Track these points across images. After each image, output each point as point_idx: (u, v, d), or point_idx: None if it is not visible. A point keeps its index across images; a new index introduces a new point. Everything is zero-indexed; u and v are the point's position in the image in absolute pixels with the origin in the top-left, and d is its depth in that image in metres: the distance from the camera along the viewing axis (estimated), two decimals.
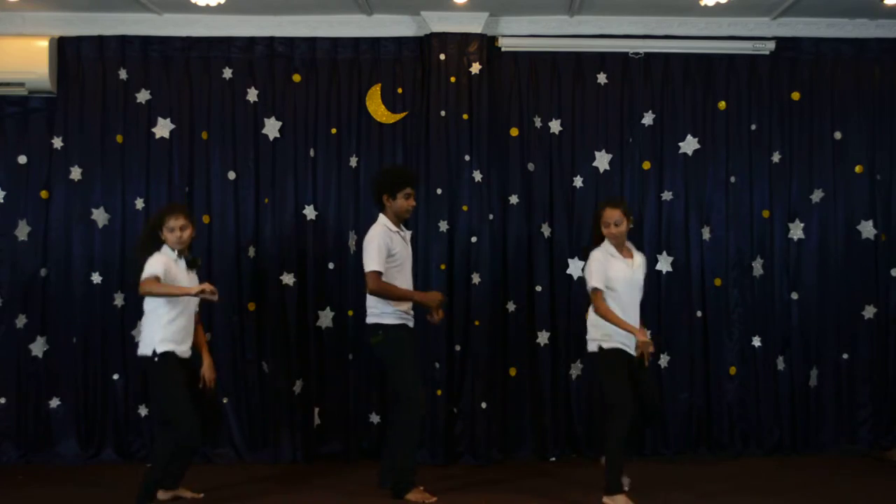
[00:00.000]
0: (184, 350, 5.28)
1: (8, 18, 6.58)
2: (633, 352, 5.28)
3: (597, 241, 5.48)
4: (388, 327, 5.45)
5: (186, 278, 5.31)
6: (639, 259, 5.53)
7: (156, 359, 5.15)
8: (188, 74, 6.68)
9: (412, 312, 5.57)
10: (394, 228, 5.49)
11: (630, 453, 6.28)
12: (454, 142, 6.57)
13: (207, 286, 5.08)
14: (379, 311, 5.46)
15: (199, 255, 5.90)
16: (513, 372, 6.67)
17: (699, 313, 6.64)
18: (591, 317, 5.41)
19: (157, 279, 5.09)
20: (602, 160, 6.74)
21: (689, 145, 6.76)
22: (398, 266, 5.47)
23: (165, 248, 5.28)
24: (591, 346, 5.44)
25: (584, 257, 5.52)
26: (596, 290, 5.29)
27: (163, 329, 5.19)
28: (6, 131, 6.64)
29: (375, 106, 6.70)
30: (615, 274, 5.35)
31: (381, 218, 5.53)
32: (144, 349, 5.23)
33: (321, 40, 6.69)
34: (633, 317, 5.38)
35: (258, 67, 6.68)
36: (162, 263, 5.18)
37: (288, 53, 6.69)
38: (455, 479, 5.75)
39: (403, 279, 5.52)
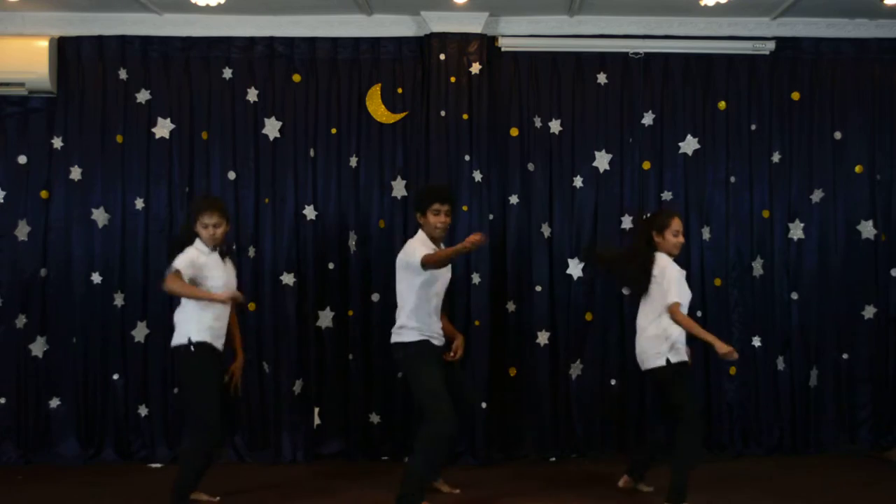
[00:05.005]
0: (219, 345, 5.19)
1: (8, 18, 6.58)
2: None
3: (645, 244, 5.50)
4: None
5: (222, 270, 5.24)
6: None
7: (192, 347, 5.07)
8: (188, 74, 6.68)
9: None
10: (431, 246, 5.31)
11: (630, 454, 6.30)
12: (454, 142, 6.57)
13: (236, 295, 5.07)
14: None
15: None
16: (513, 372, 6.67)
17: (699, 313, 6.63)
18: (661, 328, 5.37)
19: (178, 274, 5.04)
20: (602, 160, 6.74)
21: (689, 145, 6.76)
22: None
23: (199, 242, 5.22)
24: (660, 361, 5.34)
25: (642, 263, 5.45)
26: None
27: (197, 320, 5.11)
28: (6, 131, 6.64)
29: (375, 106, 6.70)
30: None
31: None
32: (179, 339, 5.13)
33: (321, 40, 6.69)
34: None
35: (258, 67, 6.68)
36: (190, 259, 5.12)
37: (288, 53, 6.69)
38: (455, 479, 5.74)
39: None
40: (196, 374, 5.10)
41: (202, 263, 5.16)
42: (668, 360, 5.29)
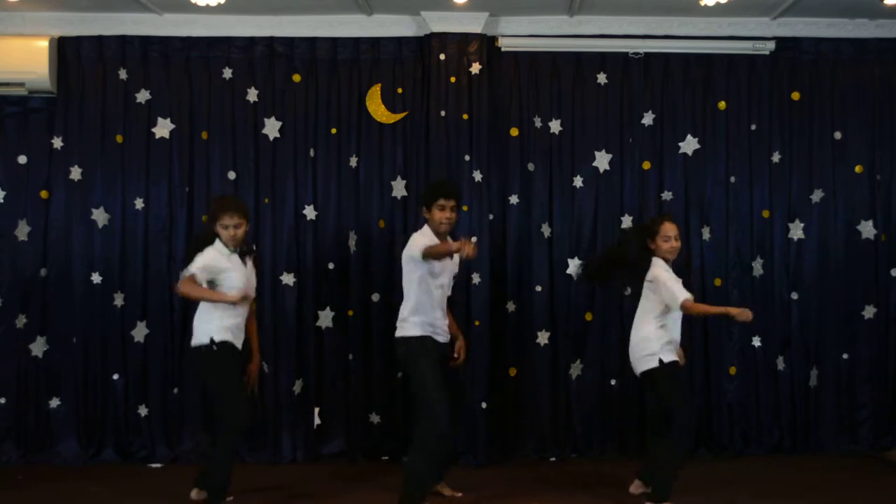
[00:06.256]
0: (238, 343, 5.25)
1: (8, 18, 6.58)
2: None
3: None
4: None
5: (242, 271, 5.25)
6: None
7: (214, 347, 5.11)
8: (188, 74, 6.68)
9: None
10: (435, 240, 5.26)
11: (631, 454, 6.31)
12: (454, 142, 6.57)
13: (247, 294, 5.14)
14: None
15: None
16: (513, 372, 6.67)
17: None
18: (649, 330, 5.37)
19: (192, 277, 5.09)
20: (602, 160, 6.74)
21: (689, 145, 6.77)
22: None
23: (218, 243, 5.23)
24: (653, 362, 5.32)
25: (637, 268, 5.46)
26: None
27: (218, 320, 5.15)
28: (6, 131, 6.64)
29: (375, 106, 6.70)
30: None
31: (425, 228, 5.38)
32: (201, 338, 5.16)
33: (321, 40, 6.69)
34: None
35: (258, 67, 6.68)
36: (206, 261, 5.15)
37: (288, 53, 6.69)
38: (455, 479, 5.74)
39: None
40: (220, 373, 5.17)
41: (221, 266, 5.18)
42: (660, 361, 5.29)
